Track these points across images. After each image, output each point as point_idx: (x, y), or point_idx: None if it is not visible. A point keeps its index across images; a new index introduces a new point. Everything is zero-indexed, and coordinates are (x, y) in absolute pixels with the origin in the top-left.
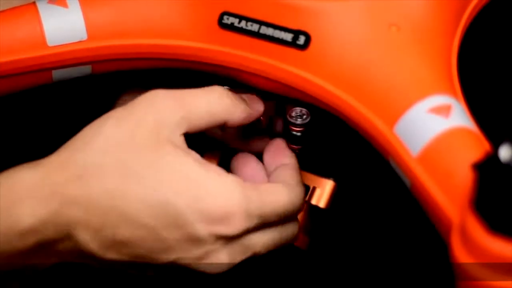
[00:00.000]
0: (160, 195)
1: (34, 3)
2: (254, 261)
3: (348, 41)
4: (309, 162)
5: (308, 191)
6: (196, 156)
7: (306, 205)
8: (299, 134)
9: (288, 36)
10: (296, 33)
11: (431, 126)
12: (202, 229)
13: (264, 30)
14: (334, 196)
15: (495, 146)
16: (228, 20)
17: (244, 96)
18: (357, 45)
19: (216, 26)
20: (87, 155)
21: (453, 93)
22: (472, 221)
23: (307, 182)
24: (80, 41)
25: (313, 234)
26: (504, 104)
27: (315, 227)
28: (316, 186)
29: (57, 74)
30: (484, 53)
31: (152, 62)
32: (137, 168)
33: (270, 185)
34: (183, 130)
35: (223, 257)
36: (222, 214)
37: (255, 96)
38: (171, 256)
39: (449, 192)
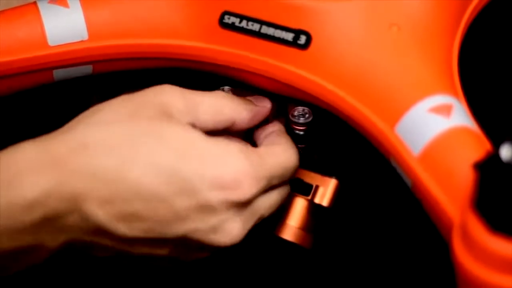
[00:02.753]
0: (169, 164)
1: (35, 3)
2: (258, 259)
3: (349, 40)
4: (312, 161)
5: (311, 190)
6: (201, 131)
7: (309, 204)
8: (301, 133)
9: (289, 36)
10: (297, 32)
11: (432, 126)
12: (214, 196)
13: (265, 29)
14: (337, 195)
15: (496, 145)
16: (229, 19)
17: (249, 97)
18: (358, 45)
19: (217, 26)
20: (91, 128)
21: (454, 93)
22: (473, 220)
23: (310, 181)
24: (81, 41)
25: (317, 233)
26: (505, 103)
27: (319, 226)
28: (319, 185)
29: (58, 73)
30: (485, 53)
31: (153, 62)
32: (143, 138)
33: (266, 148)
34: (188, 119)
35: (236, 225)
36: (232, 180)
37: (260, 96)
38: (183, 228)
39: (450, 191)
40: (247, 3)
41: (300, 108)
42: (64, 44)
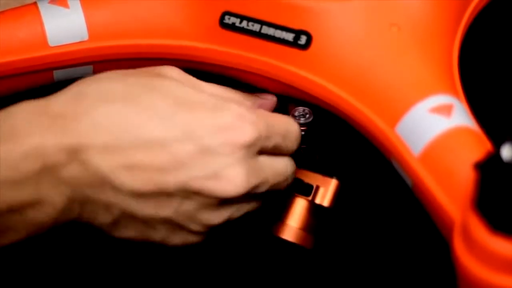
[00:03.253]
0: (167, 112)
1: (35, 3)
2: (258, 260)
3: (349, 41)
4: (313, 161)
5: (312, 190)
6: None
7: (310, 204)
8: (302, 133)
9: (290, 36)
10: (298, 33)
11: (432, 126)
12: (214, 139)
13: (266, 30)
14: (338, 195)
15: (497, 145)
16: (229, 20)
17: (254, 93)
18: (358, 45)
19: (217, 26)
20: (89, 84)
21: (455, 93)
22: (473, 220)
23: (311, 181)
24: (82, 41)
25: (318, 233)
26: (506, 103)
27: (319, 226)
28: (319, 185)
29: (58, 74)
30: (485, 53)
31: (153, 63)
32: (141, 89)
33: (265, 111)
34: None
35: (238, 172)
36: (231, 123)
37: (265, 92)
38: (184, 174)
39: (450, 191)
40: (248, 3)
41: (301, 109)
42: (65, 45)
